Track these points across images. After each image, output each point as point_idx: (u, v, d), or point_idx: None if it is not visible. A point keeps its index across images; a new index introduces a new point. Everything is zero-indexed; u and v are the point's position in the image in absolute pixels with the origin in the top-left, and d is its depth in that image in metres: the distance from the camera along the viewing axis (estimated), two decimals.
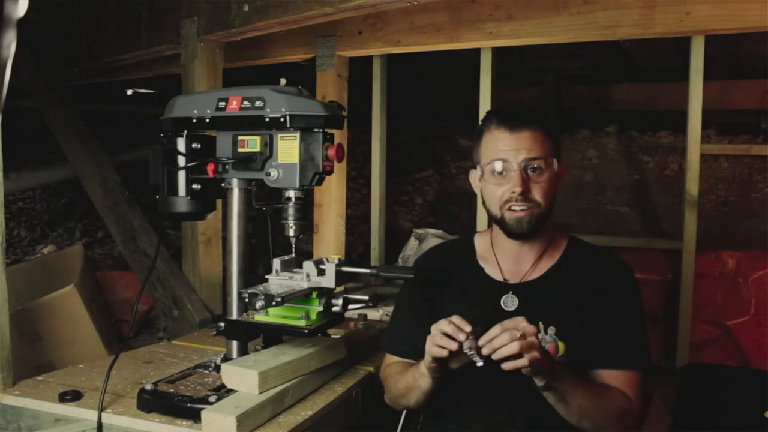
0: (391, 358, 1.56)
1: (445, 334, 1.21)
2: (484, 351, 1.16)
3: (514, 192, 1.36)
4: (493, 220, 1.45)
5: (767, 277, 2.57)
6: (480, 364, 1.18)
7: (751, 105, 3.98)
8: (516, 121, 1.38)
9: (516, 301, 1.41)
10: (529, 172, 1.36)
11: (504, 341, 1.16)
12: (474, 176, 1.48)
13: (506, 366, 1.16)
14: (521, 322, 1.18)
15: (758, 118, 4.04)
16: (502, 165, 1.37)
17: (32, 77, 3.38)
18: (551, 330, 1.37)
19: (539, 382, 1.24)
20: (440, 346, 1.22)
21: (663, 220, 3.72)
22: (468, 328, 1.20)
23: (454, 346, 1.20)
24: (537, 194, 1.37)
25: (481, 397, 1.39)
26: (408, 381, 1.40)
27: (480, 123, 1.47)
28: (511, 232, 1.41)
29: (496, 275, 1.47)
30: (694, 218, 2.38)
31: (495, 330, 1.17)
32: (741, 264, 2.63)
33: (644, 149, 4.33)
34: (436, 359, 1.26)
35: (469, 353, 1.18)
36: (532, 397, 1.33)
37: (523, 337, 1.16)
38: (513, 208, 1.37)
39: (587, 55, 3.61)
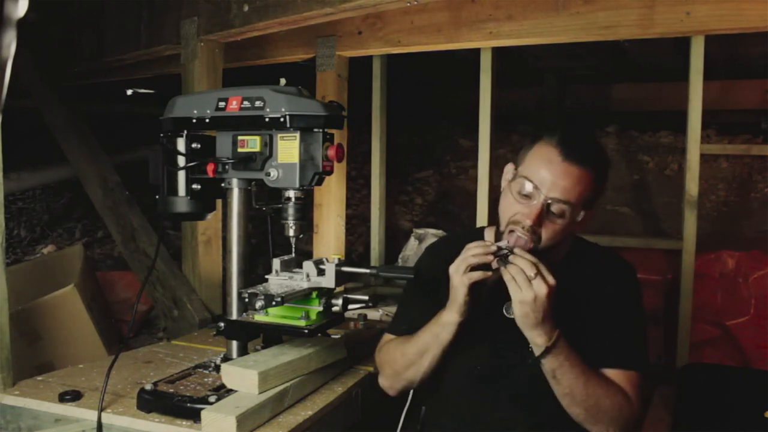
0: (388, 338, 1.54)
1: (476, 255, 1.27)
2: (511, 258, 1.24)
3: (525, 222, 1.31)
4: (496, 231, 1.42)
5: (767, 277, 2.57)
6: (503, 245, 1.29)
7: (751, 105, 3.97)
8: (576, 152, 1.30)
9: None
10: (551, 210, 1.31)
11: (523, 264, 1.23)
12: (507, 172, 1.42)
13: (502, 269, 1.24)
14: (550, 279, 1.23)
15: (758, 118, 4.04)
16: (530, 188, 1.31)
17: (32, 77, 3.37)
18: None
19: (536, 349, 1.25)
20: (477, 267, 1.27)
21: (663, 220, 3.72)
22: (492, 246, 1.28)
23: (490, 258, 1.26)
24: (544, 233, 1.32)
25: (485, 397, 1.39)
26: (423, 342, 1.38)
27: (543, 129, 1.41)
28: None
29: None
30: (694, 218, 2.37)
31: (531, 257, 1.24)
32: (741, 264, 2.63)
33: (644, 149, 4.33)
34: (470, 291, 1.29)
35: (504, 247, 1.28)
36: (536, 398, 1.33)
37: (543, 279, 1.21)
38: (513, 231, 1.32)
39: (587, 55, 3.61)
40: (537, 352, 1.26)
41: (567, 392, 1.29)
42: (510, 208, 1.35)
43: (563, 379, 1.28)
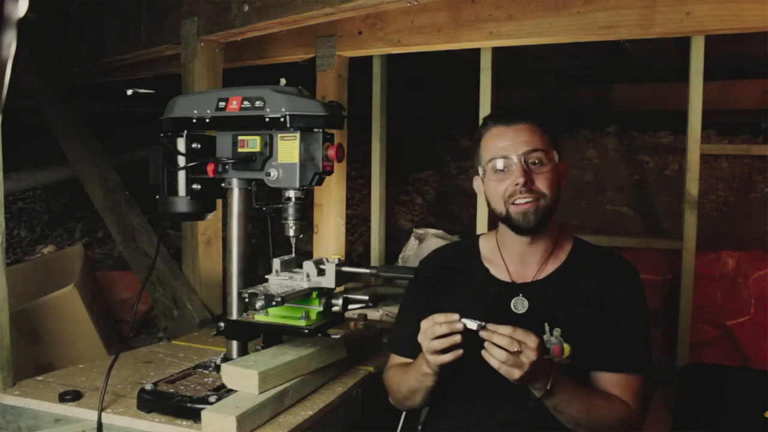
0: (393, 360, 1.56)
1: (441, 336, 1.23)
2: (483, 334, 1.20)
3: (517, 184, 1.36)
4: (499, 218, 1.44)
5: (767, 277, 2.57)
6: (474, 326, 1.22)
7: (751, 105, 3.97)
8: (511, 115, 1.41)
9: (526, 304, 1.42)
10: (530, 164, 1.37)
11: (502, 343, 1.18)
12: (477, 181, 1.49)
13: (483, 353, 1.21)
14: (531, 342, 1.19)
15: (758, 118, 4.04)
16: (503, 162, 1.38)
17: (32, 77, 3.38)
18: (557, 331, 1.37)
19: (536, 393, 1.27)
20: (444, 351, 1.24)
21: (663, 220, 3.72)
22: (455, 316, 1.23)
23: (458, 338, 1.23)
24: (541, 185, 1.37)
25: (488, 395, 1.39)
26: (411, 384, 1.41)
27: (479, 128, 1.48)
28: (518, 227, 1.40)
29: (503, 276, 1.47)
30: (694, 218, 2.38)
31: (506, 329, 1.20)
32: (741, 264, 2.63)
33: (644, 149, 4.33)
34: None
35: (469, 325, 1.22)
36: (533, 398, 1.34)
37: (518, 353, 1.18)
38: (517, 201, 1.37)
39: (587, 55, 3.61)
40: (537, 395, 1.27)
41: (570, 419, 1.31)
42: (498, 190, 1.40)
43: (566, 411, 1.30)
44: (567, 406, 1.29)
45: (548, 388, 1.24)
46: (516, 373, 1.19)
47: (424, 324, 1.26)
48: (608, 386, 1.38)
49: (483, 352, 1.20)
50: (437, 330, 1.24)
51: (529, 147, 1.37)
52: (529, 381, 1.23)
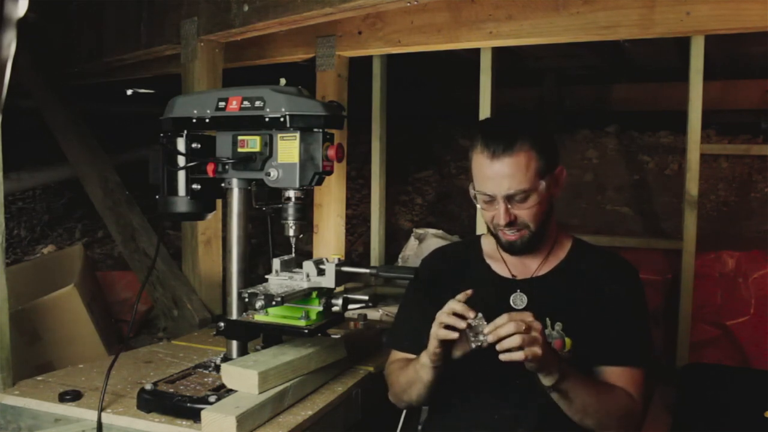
0: (395, 355, 1.56)
1: (454, 314, 1.24)
2: (489, 338, 1.20)
3: (500, 223, 1.38)
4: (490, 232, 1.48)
5: (767, 277, 2.57)
6: (484, 345, 1.22)
7: (751, 105, 3.97)
8: (498, 145, 1.34)
9: (525, 299, 1.43)
10: (514, 200, 1.36)
11: (509, 330, 1.18)
12: (473, 190, 1.47)
13: (503, 357, 1.19)
14: (528, 317, 1.20)
15: (758, 118, 4.04)
16: (488, 197, 1.38)
17: (32, 77, 3.38)
18: (558, 326, 1.38)
19: (546, 381, 1.26)
20: (448, 327, 1.25)
21: (663, 220, 3.71)
22: (473, 313, 1.23)
23: (462, 324, 1.23)
24: (525, 218, 1.38)
25: (489, 393, 1.39)
26: (409, 375, 1.41)
27: (473, 139, 1.43)
28: (505, 250, 1.45)
29: (504, 273, 1.49)
30: (694, 218, 2.38)
31: (502, 319, 1.20)
32: (741, 264, 2.62)
33: (644, 149, 4.33)
34: (441, 344, 1.28)
35: (475, 331, 1.23)
36: (540, 393, 1.34)
37: (527, 330, 1.18)
38: (502, 233, 1.41)
39: (587, 55, 3.61)
40: (549, 382, 1.26)
41: (580, 407, 1.31)
42: (485, 215, 1.43)
43: (576, 400, 1.30)
44: (578, 392, 1.29)
45: (560, 374, 1.24)
46: (538, 350, 1.18)
47: (449, 304, 1.26)
48: (610, 380, 1.38)
49: (501, 356, 1.19)
50: (456, 306, 1.24)
51: (512, 189, 1.34)
52: (545, 364, 1.22)
